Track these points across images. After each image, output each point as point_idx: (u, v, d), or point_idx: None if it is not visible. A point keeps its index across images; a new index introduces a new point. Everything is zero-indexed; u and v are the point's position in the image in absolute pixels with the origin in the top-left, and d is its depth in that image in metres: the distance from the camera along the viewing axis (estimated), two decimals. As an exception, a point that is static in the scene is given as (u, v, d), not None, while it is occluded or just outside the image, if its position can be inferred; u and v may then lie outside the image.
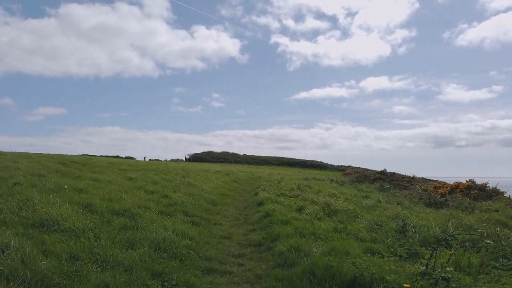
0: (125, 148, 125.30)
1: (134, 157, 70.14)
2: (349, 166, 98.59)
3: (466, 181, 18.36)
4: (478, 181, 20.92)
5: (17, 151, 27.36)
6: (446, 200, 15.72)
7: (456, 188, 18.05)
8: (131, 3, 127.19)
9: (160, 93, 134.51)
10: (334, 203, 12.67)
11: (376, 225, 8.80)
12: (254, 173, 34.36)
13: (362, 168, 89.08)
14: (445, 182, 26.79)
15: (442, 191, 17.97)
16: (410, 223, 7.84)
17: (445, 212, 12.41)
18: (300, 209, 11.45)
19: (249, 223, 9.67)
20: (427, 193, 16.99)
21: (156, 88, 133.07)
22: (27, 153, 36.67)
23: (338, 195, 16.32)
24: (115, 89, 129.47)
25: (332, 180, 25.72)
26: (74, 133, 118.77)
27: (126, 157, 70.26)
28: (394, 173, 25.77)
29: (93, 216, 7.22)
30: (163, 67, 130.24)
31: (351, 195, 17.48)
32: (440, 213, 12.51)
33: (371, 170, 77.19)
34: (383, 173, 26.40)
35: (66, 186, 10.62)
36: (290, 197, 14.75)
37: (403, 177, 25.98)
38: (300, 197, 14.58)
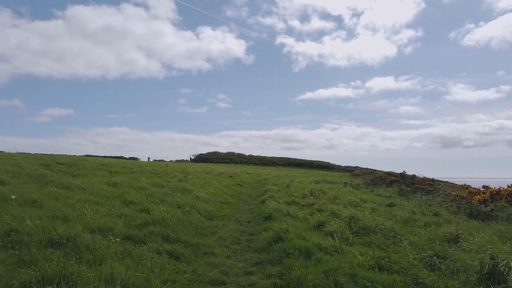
0: (132, 149, 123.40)
1: (138, 157, 67.97)
2: (356, 166, 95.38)
3: (508, 186, 15.41)
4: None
5: (18, 152, 25.05)
6: (492, 210, 12.84)
7: (496, 194, 15.10)
8: (136, 5, 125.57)
9: (167, 94, 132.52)
10: (361, 216, 9.88)
11: (436, 257, 6.02)
12: (261, 174, 31.63)
13: (370, 168, 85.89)
14: (469, 186, 23.81)
15: (480, 198, 15.04)
16: (503, 263, 4.99)
17: (501, 228, 9.56)
18: (320, 226, 8.67)
19: (254, 250, 6.92)
20: (465, 200, 14.09)
21: (163, 89, 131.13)
22: (23, 153, 34.32)
23: (360, 204, 13.54)
24: (122, 90, 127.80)
25: (346, 184, 22.86)
26: (82, 134, 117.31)
27: (130, 158, 68.05)
28: (414, 176, 22.89)
29: (11, 252, 4.53)
30: (170, 68, 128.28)
31: (373, 202, 14.70)
32: (494, 228, 9.67)
33: (380, 171, 73.93)
34: (402, 175, 23.52)
35: (13, 197, 8.00)
36: (303, 206, 11.98)
37: (423, 179, 23.02)
38: (315, 206, 11.83)
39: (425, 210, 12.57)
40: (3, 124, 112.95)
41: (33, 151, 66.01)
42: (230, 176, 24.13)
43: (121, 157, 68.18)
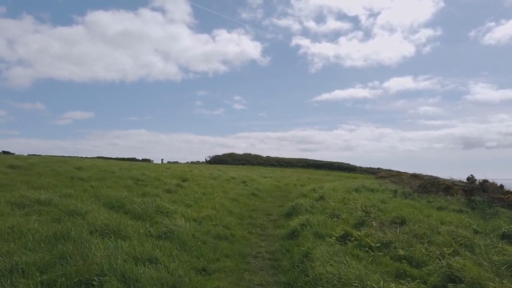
0: (150, 151, 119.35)
1: (152, 159, 63.32)
2: (378, 168, 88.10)
3: None
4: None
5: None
6: None
7: None
8: (153, 9, 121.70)
9: (183, 96, 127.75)
10: None
11: None
12: (280, 178, 25.69)
13: (395, 170, 78.67)
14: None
15: None
16: None
17: None
18: None
19: None
20: None
21: (180, 92, 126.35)
22: (22, 155, 29.87)
23: (457, 233, 7.49)
24: (140, 93, 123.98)
25: (395, 192, 16.67)
26: (101, 136, 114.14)
27: (143, 159, 63.50)
28: (485, 181, 16.55)
29: None
30: (186, 71, 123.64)
31: (463, 226, 8.67)
32: None
33: (404, 172, 66.82)
34: (471, 181, 17.17)
35: None
36: (375, 248, 6.04)
37: (498, 187, 16.59)
38: (398, 249, 5.93)
39: None
40: (26, 126, 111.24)
41: (54, 153, 62.44)
42: (243, 182, 18.33)
43: (134, 159, 63.81)
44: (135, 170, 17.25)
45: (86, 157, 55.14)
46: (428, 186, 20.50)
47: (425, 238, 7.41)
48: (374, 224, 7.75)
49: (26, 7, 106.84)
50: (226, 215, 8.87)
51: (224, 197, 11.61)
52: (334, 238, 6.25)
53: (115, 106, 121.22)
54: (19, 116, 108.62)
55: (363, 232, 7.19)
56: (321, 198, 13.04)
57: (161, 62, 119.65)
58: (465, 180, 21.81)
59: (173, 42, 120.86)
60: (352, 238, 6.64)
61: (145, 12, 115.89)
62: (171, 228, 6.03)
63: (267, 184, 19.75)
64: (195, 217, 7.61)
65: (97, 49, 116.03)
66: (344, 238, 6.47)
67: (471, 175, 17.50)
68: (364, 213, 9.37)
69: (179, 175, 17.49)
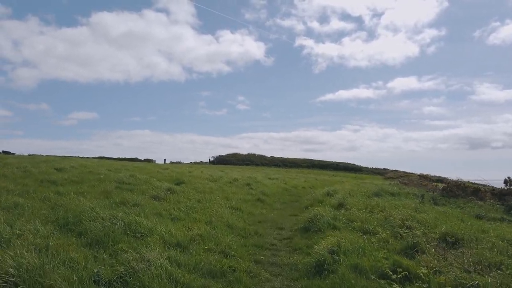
0: (154, 151, 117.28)
1: (154, 159, 61.23)
2: (384, 168, 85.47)
3: None
4: None
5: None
6: None
7: None
8: (157, 10, 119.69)
9: (187, 96, 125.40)
10: None
11: None
12: (287, 180, 23.34)
13: (401, 171, 75.98)
14: None
15: None
16: None
17: None
18: None
19: None
20: None
21: (183, 92, 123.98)
22: (22, 155, 27.99)
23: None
24: (144, 94, 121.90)
25: (422, 198, 14.28)
26: (105, 137, 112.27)
27: (145, 160, 61.45)
28: (524, 184, 14.14)
29: None
30: (190, 72, 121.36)
31: None
32: None
33: (412, 173, 64.18)
34: (510, 183, 14.72)
35: None
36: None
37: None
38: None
39: None
40: (31, 127, 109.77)
41: (58, 153, 60.57)
42: (248, 184, 16.02)
43: (136, 159, 61.74)
44: (125, 171, 15.03)
45: (88, 157, 53.15)
46: (455, 189, 18.06)
47: (506, 269, 5.09)
48: (433, 250, 5.41)
49: (31, 8, 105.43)
50: (224, 231, 6.56)
51: (224, 205, 9.29)
52: (375, 267, 3.91)
53: (119, 107, 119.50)
54: (24, 116, 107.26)
55: (421, 261, 4.88)
56: (341, 205, 10.72)
57: (165, 63, 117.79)
58: (476, 181, 19.30)
59: (177, 43, 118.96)
60: (411, 275, 4.35)
61: (149, 13, 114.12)
62: (133, 267, 3.74)
63: (274, 186, 17.44)
64: (180, 239, 5.31)
65: (101, 50, 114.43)
66: (398, 274, 4.15)
67: (508, 177, 15.03)
68: (401, 223, 7.05)
69: (175, 177, 15.25)
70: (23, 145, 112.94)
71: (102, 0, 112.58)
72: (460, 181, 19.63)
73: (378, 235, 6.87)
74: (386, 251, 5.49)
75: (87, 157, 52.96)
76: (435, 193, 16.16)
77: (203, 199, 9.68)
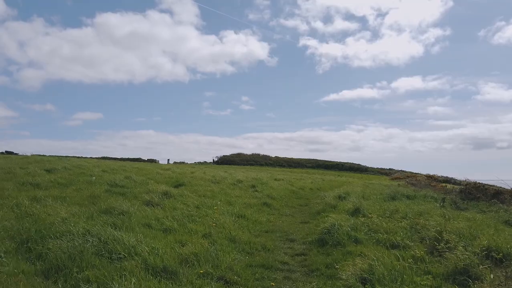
0: (159, 151, 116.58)
1: (157, 159, 60.34)
2: (390, 169, 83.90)
3: None
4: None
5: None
6: None
7: None
8: (161, 11, 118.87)
9: (191, 97, 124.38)
10: None
11: None
12: (293, 181, 22.12)
13: (407, 171, 74.36)
14: None
15: None
16: None
17: None
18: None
19: None
20: None
21: (188, 93, 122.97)
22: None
23: None
24: (148, 94, 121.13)
25: (443, 202, 13.00)
26: (111, 137, 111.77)
27: (148, 160, 60.56)
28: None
29: None
30: (194, 72, 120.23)
31: None
32: None
33: (418, 173, 62.67)
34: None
35: None
36: None
37: None
38: None
39: None
40: (37, 128, 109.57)
41: (65, 153, 59.82)
42: (252, 186, 14.84)
43: (139, 159, 60.85)
44: (122, 172, 13.94)
45: (91, 157, 52.33)
46: (474, 192, 16.73)
47: None
48: (491, 276, 4.18)
49: (36, 9, 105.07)
50: (226, 247, 5.39)
51: (226, 211, 8.12)
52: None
53: (124, 107, 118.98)
54: (30, 117, 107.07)
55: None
56: (357, 211, 9.51)
57: (169, 63, 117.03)
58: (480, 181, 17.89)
59: (181, 44, 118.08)
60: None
61: (153, 14, 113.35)
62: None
63: (280, 188, 16.24)
64: (167, 262, 4.12)
65: (106, 50, 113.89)
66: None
67: (536, 178, 13.70)
68: (437, 236, 5.84)
69: (174, 179, 14.12)
70: (31, 145, 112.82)
71: (107, 1, 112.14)
72: (479, 183, 18.26)
73: (409, 251, 5.66)
74: (429, 276, 4.29)
75: (90, 157, 52.10)
76: (455, 196, 14.84)
77: (203, 204, 8.51)
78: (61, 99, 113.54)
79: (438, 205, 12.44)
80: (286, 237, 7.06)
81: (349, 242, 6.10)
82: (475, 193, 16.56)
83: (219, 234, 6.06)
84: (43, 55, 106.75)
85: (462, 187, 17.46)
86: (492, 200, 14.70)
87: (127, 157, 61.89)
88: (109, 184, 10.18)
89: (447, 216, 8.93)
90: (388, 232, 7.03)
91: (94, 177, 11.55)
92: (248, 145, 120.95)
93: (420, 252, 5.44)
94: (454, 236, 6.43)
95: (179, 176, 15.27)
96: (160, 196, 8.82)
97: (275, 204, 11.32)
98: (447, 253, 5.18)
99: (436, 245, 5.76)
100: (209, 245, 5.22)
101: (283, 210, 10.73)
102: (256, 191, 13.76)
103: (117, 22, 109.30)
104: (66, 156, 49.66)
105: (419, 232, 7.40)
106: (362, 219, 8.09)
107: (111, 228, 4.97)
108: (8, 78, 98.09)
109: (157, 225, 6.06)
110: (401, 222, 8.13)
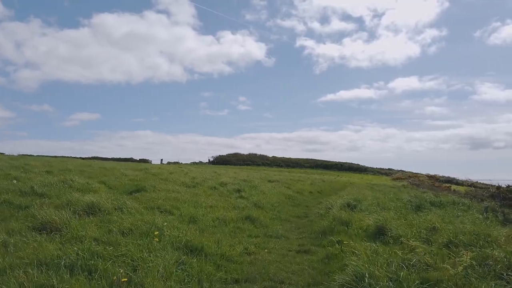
0: (157, 152, 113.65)
1: (150, 160, 56.82)
2: (389, 169, 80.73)
3: None
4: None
5: None
6: None
7: None
8: (158, 12, 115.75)
9: (189, 97, 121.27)
10: None
11: None
12: (290, 183, 18.76)
13: (407, 171, 71.29)
14: None
15: None
16: None
17: None
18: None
19: None
20: None
21: (185, 93, 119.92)
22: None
23: None
24: (146, 95, 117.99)
25: (486, 210, 9.72)
26: (109, 138, 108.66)
27: (140, 160, 57.06)
28: None
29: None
30: (191, 72, 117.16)
31: None
32: None
33: (420, 173, 59.46)
34: None
35: None
36: None
37: None
38: None
39: None
40: (35, 128, 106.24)
41: (60, 154, 56.37)
42: (238, 191, 11.52)
43: (131, 159, 57.40)
44: (67, 173, 10.61)
45: (81, 158, 48.84)
46: (510, 196, 13.43)
47: None
48: None
49: (34, 10, 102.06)
50: None
51: (175, 239, 4.81)
52: None
53: (121, 108, 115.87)
54: (28, 117, 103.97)
55: None
56: (381, 231, 6.25)
57: (166, 64, 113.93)
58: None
59: (178, 44, 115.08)
60: None
61: (150, 15, 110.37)
62: None
63: (274, 192, 12.92)
64: None
65: (103, 51, 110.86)
66: None
67: None
68: None
69: (137, 182, 10.80)
70: (28, 146, 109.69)
71: (104, 2, 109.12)
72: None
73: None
74: None
75: (80, 157, 48.68)
76: (492, 203, 11.55)
77: (140, 225, 5.18)
78: (59, 99, 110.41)
79: (481, 216, 9.17)
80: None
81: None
82: (495, 195, 13.33)
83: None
84: (40, 56, 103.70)
85: (494, 191, 14.21)
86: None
87: (124, 157, 58.45)
88: (20, 191, 6.87)
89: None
90: (455, 284, 3.76)
91: (15, 181, 8.24)
92: (245, 145, 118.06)
93: None
94: None
95: (147, 178, 11.96)
96: (80, 212, 5.51)
97: (263, 217, 7.99)
98: None
99: None
100: None
101: (274, 227, 7.41)
102: (241, 197, 10.47)
103: (114, 22, 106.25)
104: (47, 156, 46.14)
105: (494, 270, 4.17)
106: (399, 251, 4.80)
107: None
108: (5, 79, 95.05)
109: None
110: (460, 255, 4.84)
